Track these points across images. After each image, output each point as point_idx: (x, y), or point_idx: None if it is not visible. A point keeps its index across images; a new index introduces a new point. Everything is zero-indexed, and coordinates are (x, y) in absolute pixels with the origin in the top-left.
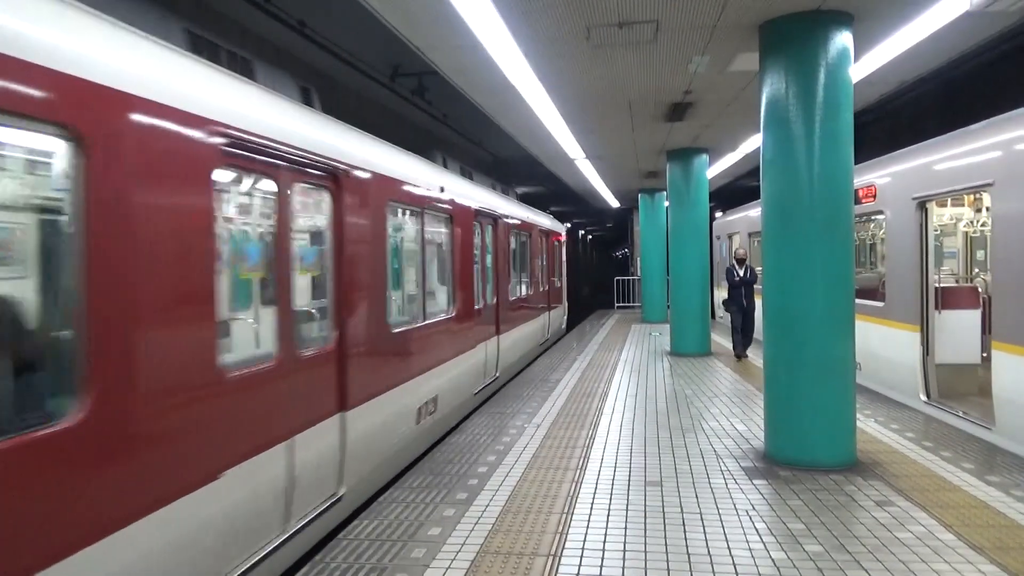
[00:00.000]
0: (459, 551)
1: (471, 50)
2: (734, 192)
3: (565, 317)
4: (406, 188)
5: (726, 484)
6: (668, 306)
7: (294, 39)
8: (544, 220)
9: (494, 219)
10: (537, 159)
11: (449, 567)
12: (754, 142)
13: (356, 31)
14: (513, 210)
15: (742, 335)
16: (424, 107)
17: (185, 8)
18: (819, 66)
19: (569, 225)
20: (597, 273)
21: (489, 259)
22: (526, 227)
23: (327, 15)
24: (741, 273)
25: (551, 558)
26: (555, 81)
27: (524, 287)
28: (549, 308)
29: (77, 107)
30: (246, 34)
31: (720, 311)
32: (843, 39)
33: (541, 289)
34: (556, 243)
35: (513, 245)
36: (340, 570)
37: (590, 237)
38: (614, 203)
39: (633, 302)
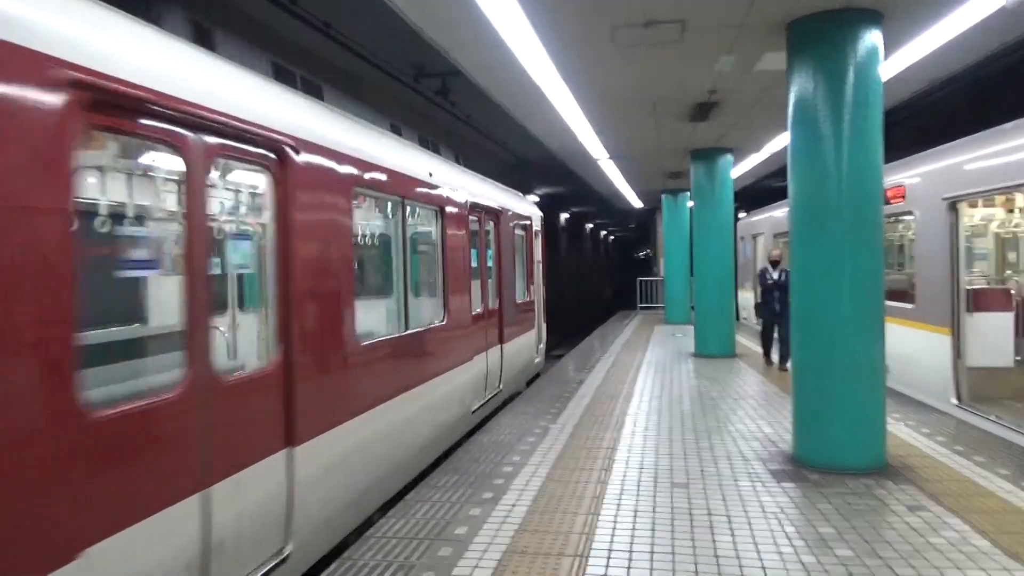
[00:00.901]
0: (486, 550)
1: (495, 50)
2: (757, 193)
3: (542, 346)
4: None
5: (753, 487)
6: (692, 307)
7: (319, 40)
8: (492, 193)
9: (315, 172)
10: (560, 160)
11: (476, 566)
12: (779, 142)
13: (381, 32)
14: (385, 156)
15: (780, 343)
16: (447, 107)
17: (211, 10)
18: (848, 65)
19: (582, 217)
20: (619, 274)
21: (266, 265)
22: (431, 196)
23: (352, 16)
24: (776, 276)
25: (578, 559)
26: (580, 81)
27: (421, 312)
28: (501, 340)
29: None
30: (274, 36)
31: (745, 313)
32: (872, 37)
33: (475, 311)
34: (519, 233)
35: (379, 229)
36: (368, 567)
37: (612, 237)
38: (637, 204)
39: (656, 303)
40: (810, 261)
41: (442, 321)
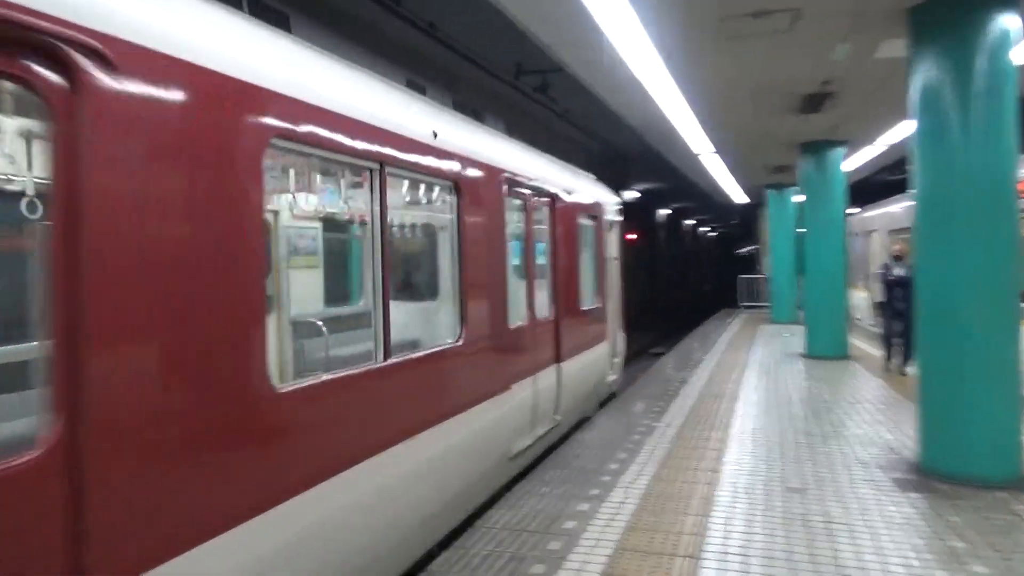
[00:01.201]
0: (595, 546)
1: (599, 45)
2: (868, 187)
3: (618, 361)
4: None
5: (876, 495)
6: (799, 306)
7: (423, 39)
8: (545, 170)
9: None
10: (659, 154)
11: (587, 561)
12: (896, 133)
13: (482, 31)
14: (342, 99)
15: (904, 345)
16: (546, 103)
17: (322, 14)
18: (978, 51)
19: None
20: (720, 271)
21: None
22: (437, 167)
23: (456, 16)
24: (899, 272)
25: (690, 560)
26: (685, 73)
27: (418, 330)
28: (558, 358)
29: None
30: (381, 36)
31: (858, 313)
32: (1006, 21)
33: (515, 323)
34: (585, 223)
35: (332, 210)
36: (480, 556)
37: (712, 234)
38: (738, 199)
39: (759, 301)
40: (937, 256)
41: (457, 341)
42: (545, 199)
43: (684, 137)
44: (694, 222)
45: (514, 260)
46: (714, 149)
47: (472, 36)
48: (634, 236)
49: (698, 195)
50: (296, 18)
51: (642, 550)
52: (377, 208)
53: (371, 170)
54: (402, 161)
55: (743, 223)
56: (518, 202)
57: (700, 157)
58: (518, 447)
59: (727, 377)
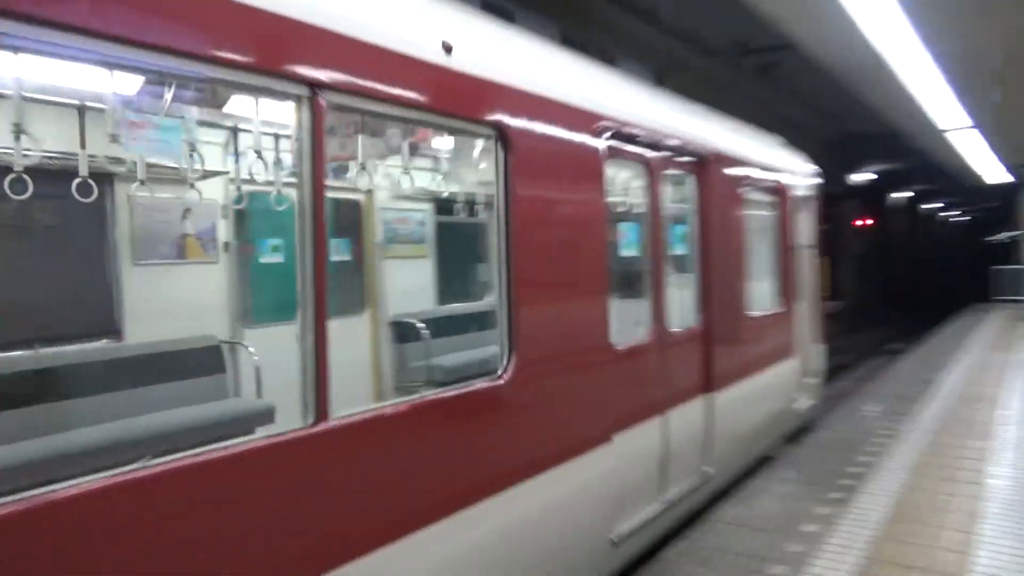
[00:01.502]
0: (842, 553)
1: (833, 19)
2: None
3: (814, 381)
4: None
5: None
6: None
7: (640, 25)
8: (684, 122)
9: None
10: (892, 134)
11: (833, 568)
12: None
13: (705, 10)
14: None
15: None
16: (770, 83)
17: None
18: None
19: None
20: (967, 262)
21: None
22: (455, 101)
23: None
24: None
25: None
26: (939, 39)
27: (410, 364)
28: (709, 386)
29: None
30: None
31: None
32: None
33: (623, 343)
34: (758, 199)
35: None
36: (710, 550)
37: (960, 219)
38: (991, 180)
39: (1019, 295)
40: None
41: (497, 378)
42: (687, 163)
43: (929, 113)
44: (939, 206)
45: (626, 250)
46: (972, 124)
47: (690, 14)
48: (867, 222)
49: (942, 177)
50: None
51: (895, 562)
52: (307, 165)
53: (297, 98)
54: (361, 86)
55: (1000, 207)
56: (634, 164)
57: (947, 135)
58: (627, 527)
59: (985, 379)
